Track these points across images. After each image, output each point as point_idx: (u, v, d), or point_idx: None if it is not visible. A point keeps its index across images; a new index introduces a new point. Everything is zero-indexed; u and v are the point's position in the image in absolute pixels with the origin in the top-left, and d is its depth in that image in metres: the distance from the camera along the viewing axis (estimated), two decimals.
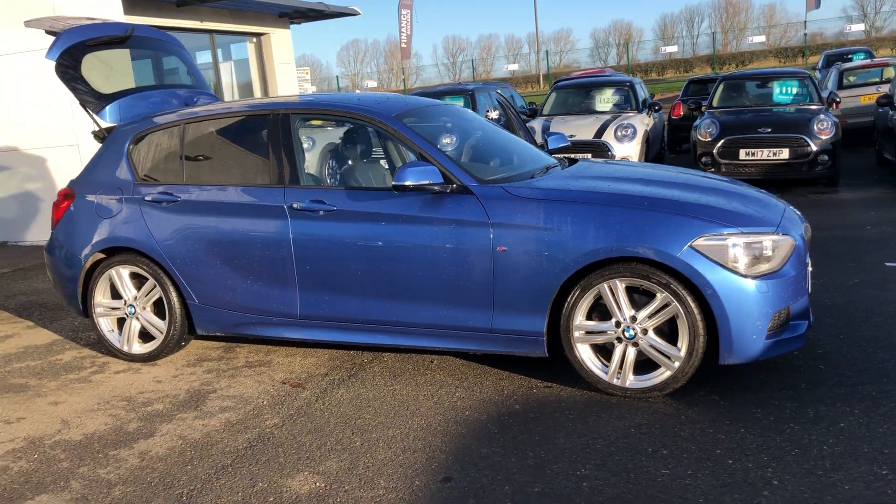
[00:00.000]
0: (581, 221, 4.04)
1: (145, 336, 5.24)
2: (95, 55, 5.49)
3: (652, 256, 3.88)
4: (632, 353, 4.07)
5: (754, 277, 3.85)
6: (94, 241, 5.16)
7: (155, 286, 5.08)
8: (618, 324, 4.05)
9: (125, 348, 5.29)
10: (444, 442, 3.78)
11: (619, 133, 10.65)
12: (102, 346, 5.49)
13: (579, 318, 4.11)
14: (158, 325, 5.16)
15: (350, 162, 5.09)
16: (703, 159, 10.41)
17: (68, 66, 5.29)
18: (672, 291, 3.89)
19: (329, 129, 6.79)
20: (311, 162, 5.37)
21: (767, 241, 3.93)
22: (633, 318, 4.01)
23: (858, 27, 47.06)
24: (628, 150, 10.52)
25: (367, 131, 5.12)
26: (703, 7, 66.93)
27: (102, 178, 5.29)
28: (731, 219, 3.97)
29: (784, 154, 9.91)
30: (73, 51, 5.32)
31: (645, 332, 4.02)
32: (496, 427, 3.89)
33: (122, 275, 5.17)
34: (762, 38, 50.00)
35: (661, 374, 4.04)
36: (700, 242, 3.86)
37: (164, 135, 5.20)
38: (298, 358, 5.10)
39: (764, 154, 10.00)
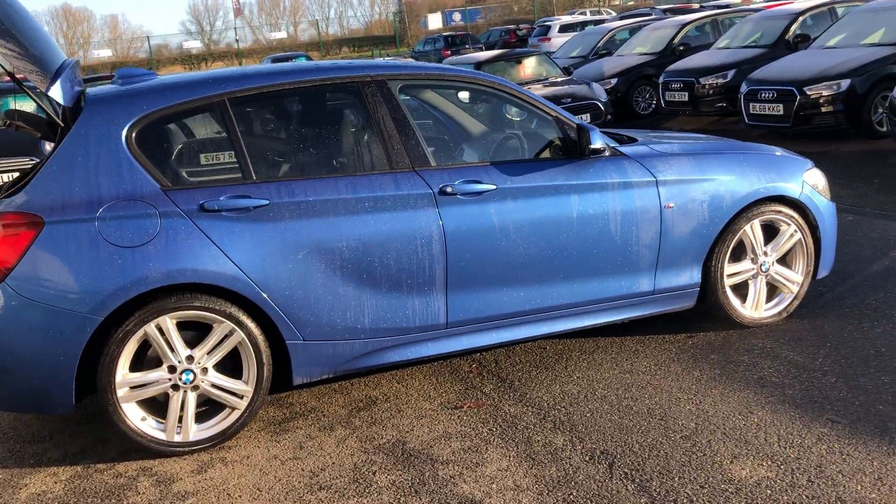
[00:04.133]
0: (731, 169, 4.33)
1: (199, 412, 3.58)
2: None
3: (792, 193, 4.40)
4: (763, 284, 4.52)
5: (829, 200, 4.68)
6: (119, 283, 3.31)
7: (232, 332, 3.52)
8: (753, 261, 4.45)
9: (177, 437, 3.54)
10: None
11: None
12: (126, 444, 3.68)
13: (726, 264, 4.39)
14: (236, 389, 3.59)
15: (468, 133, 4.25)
16: None
17: None
18: (796, 222, 4.47)
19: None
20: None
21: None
22: (765, 253, 4.47)
23: (196, 43, 51.13)
24: None
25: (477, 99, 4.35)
26: (40, 15, 63.25)
27: (94, 190, 3.41)
28: (798, 156, 4.72)
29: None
30: None
31: (770, 266, 4.50)
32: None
33: (167, 328, 3.44)
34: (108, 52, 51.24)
35: (785, 300, 4.57)
36: (807, 175, 4.53)
37: (191, 117, 3.64)
38: (390, 384, 4.12)
39: None
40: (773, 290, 4.57)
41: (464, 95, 4.68)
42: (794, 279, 4.55)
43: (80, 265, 3.32)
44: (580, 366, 4.18)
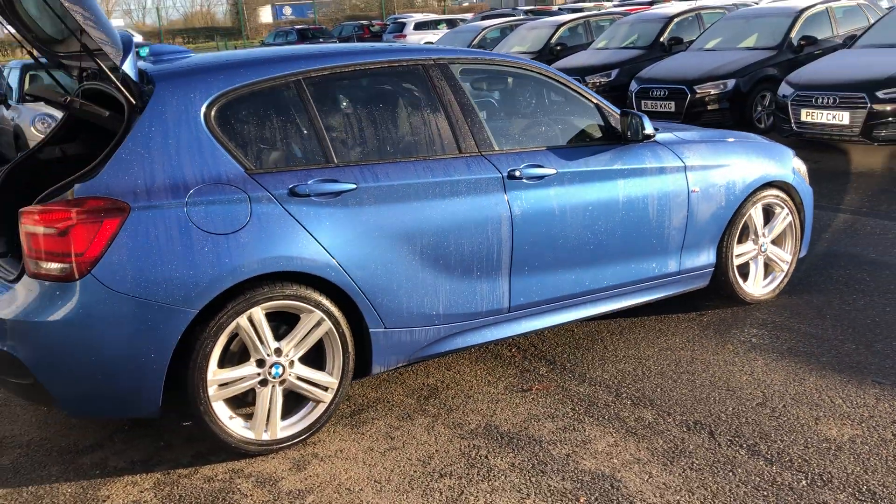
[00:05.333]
0: (741, 155, 4.63)
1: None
2: None
3: (788, 179, 4.77)
4: (762, 264, 4.86)
5: (809, 184, 5.10)
6: (214, 273, 3.08)
7: (320, 322, 3.36)
8: (755, 241, 4.78)
9: (265, 435, 3.33)
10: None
11: None
12: (212, 444, 3.45)
13: (734, 245, 4.68)
14: (322, 381, 3.43)
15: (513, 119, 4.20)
16: None
17: None
18: (788, 206, 4.84)
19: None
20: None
21: None
22: (764, 235, 4.80)
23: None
24: None
25: (519, 86, 4.29)
26: None
27: (178, 173, 3.15)
28: (783, 145, 5.11)
29: None
30: None
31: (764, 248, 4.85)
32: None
33: (258, 319, 3.23)
34: None
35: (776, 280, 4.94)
36: (794, 161, 4.92)
37: (270, 96, 3.42)
38: (456, 371, 4.08)
39: None
40: (765, 269, 4.91)
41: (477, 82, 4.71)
42: (785, 258, 4.92)
43: (172, 254, 3.06)
44: (619, 346, 4.32)
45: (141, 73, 3.38)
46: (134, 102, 3.21)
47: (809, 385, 3.75)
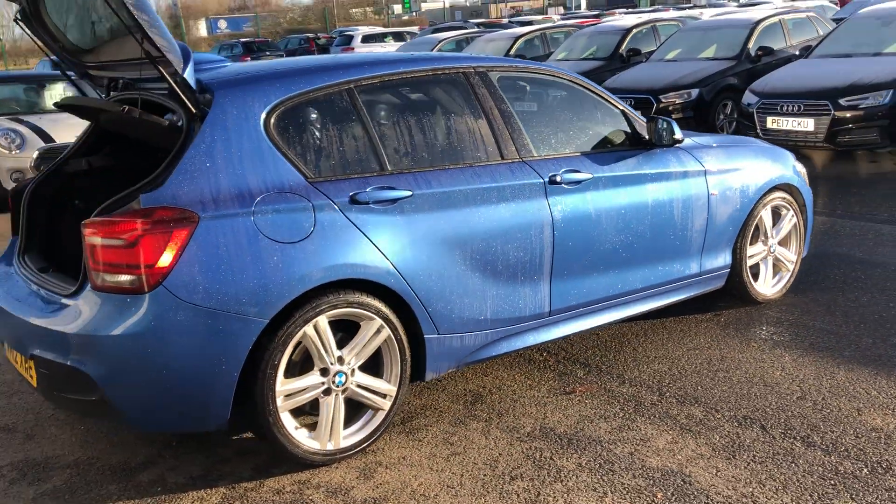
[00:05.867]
0: (752, 159, 4.78)
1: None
2: None
3: (792, 181, 4.94)
4: (771, 265, 5.02)
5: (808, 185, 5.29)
6: (283, 282, 3.05)
7: (379, 329, 3.36)
8: (764, 243, 4.93)
9: (329, 445, 3.30)
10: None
11: None
12: (269, 456, 3.42)
13: (747, 247, 4.82)
14: (382, 389, 3.42)
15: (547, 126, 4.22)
16: None
17: None
18: (793, 207, 5.01)
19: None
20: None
21: None
22: (772, 236, 4.96)
23: None
24: None
25: (549, 93, 4.32)
26: None
27: (242, 182, 3.11)
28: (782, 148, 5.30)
29: None
30: None
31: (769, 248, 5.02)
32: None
33: (322, 328, 3.21)
34: None
35: (782, 280, 5.11)
36: (795, 164, 5.11)
37: (325, 104, 3.41)
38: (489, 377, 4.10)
39: None
40: (773, 269, 5.07)
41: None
42: (791, 258, 5.09)
43: (242, 263, 3.03)
44: (647, 347, 4.41)
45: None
46: (194, 111, 3.16)
47: (841, 378, 3.89)
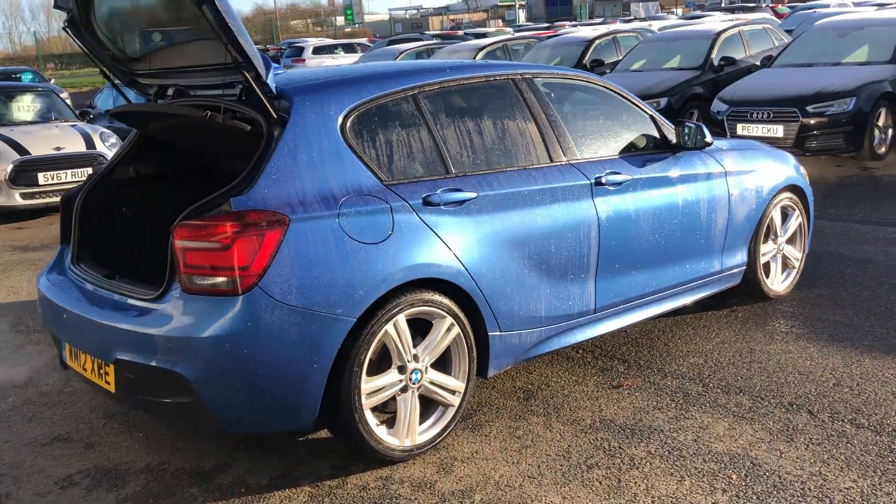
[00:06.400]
0: (764, 161, 5.02)
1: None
2: None
3: (798, 182, 5.20)
4: (780, 262, 5.27)
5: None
6: (368, 281, 3.13)
7: (450, 327, 3.45)
8: (774, 241, 5.18)
9: (408, 441, 3.37)
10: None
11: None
12: (344, 454, 3.48)
13: (761, 244, 5.05)
14: (452, 386, 3.51)
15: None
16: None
17: None
18: (798, 207, 5.27)
19: None
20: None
21: None
22: (781, 235, 5.21)
23: None
24: None
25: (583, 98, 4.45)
26: None
27: (324, 184, 3.19)
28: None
29: None
30: None
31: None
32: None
33: (401, 326, 3.30)
34: None
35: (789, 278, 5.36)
36: (798, 166, 5.38)
37: (393, 109, 3.50)
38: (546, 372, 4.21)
39: None
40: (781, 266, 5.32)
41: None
42: (797, 256, 5.35)
43: (331, 264, 3.10)
44: (677, 342, 4.59)
45: None
46: (276, 116, 3.22)
47: (868, 366, 4.12)
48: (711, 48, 11.63)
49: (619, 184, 4.12)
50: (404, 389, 3.37)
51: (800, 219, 5.28)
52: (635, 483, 3.17)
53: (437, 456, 3.47)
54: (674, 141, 4.53)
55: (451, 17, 59.87)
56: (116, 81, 4.03)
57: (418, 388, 3.41)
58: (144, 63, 3.87)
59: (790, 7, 29.73)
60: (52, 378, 4.51)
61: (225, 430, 3.14)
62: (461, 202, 3.50)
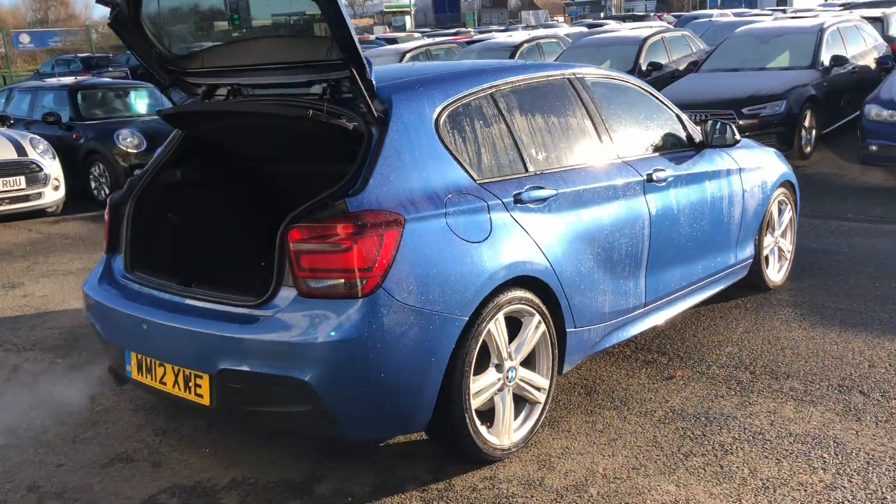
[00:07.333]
0: (764, 159, 5.27)
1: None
2: None
3: (790, 178, 5.48)
4: (777, 254, 5.53)
5: None
6: (478, 280, 3.10)
7: (538, 325, 3.45)
8: (772, 234, 5.44)
9: (504, 441, 3.35)
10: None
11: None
12: (436, 456, 3.42)
13: (764, 238, 5.30)
14: (538, 383, 3.51)
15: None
16: (137, 172, 9.71)
17: None
18: (790, 202, 5.56)
19: None
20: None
21: None
22: (775, 230, 5.47)
23: None
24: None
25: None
26: None
27: (428, 184, 3.13)
28: None
29: None
30: None
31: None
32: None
33: (501, 325, 3.28)
34: None
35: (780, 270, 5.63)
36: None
37: (476, 108, 3.47)
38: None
39: None
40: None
41: None
42: (789, 248, 5.64)
43: (443, 263, 3.06)
44: (705, 334, 4.74)
45: None
46: (377, 115, 3.15)
47: (892, 348, 4.38)
48: (639, 54, 12.05)
49: (665, 180, 4.23)
50: (501, 388, 3.35)
51: (791, 213, 5.57)
52: (737, 468, 3.27)
53: (531, 454, 3.46)
54: (697, 139, 4.69)
55: None
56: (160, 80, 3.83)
57: (513, 387, 3.40)
58: (195, 61, 3.70)
59: (675, 16, 31.08)
60: (77, 396, 4.24)
61: (342, 437, 3.05)
62: (544, 200, 3.52)
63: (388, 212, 2.97)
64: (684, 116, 4.72)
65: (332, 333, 2.86)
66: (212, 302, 3.19)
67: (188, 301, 3.27)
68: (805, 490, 3.09)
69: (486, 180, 3.37)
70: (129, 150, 9.92)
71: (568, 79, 4.03)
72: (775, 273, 5.49)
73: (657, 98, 4.64)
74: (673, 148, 4.57)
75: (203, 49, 3.71)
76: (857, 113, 10.57)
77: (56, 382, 4.42)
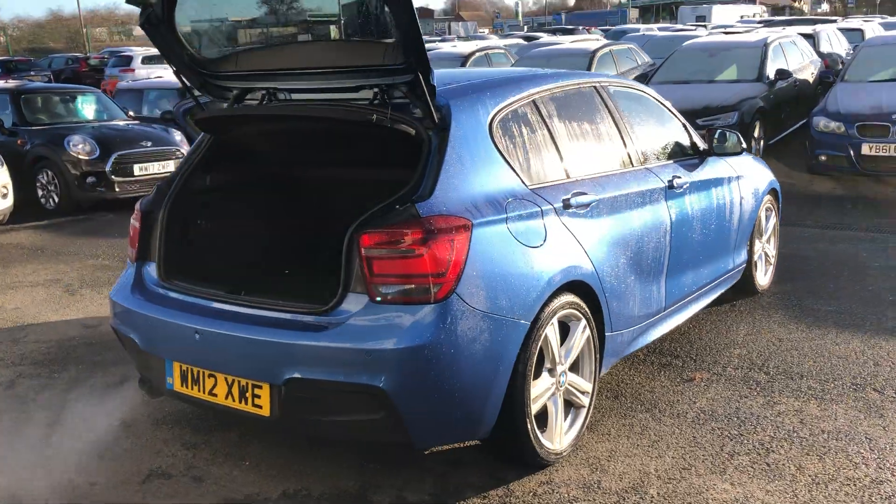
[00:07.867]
0: (755, 167, 5.46)
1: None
2: None
3: (776, 186, 5.68)
4: (765, 258, 5.72)
5: None
6: (538, 285, 3.11)
7: (584, 329, 3.48)
8: (760, 240, 5.61)
9: (557, 445, 3.36)
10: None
11: None
12: (486, 462, 3.39)
13: (755, 242, 5.47)
14: (583, 388, 3.54)
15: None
16: (90, 180, 9.58)
17: None
18: (775, 208, 5.76)
19: None
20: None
21: None
22: (762, 235, 5.66)
23: None
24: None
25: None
26: None
27: (488, 189, 3.13)
28: None
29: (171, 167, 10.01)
30: None
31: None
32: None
33: (556, 329, 3.29)
34: None
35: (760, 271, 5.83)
36: None
37: (522, 114, 3.50)
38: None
39: (155, 168, 9.98)
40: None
41: None
42: (773, 253, 5.84)
43: (508, 268, 3.06)
44: (710, 337, 4.86)
45: None
46: (437, 120, 3.13)
47: (888, 346, 4.58)
48: (589, 65, 12.26)
49: (682, 186, 4.33)
50: (553, 393, 3.37)
51: (775, 218, 5.77)
52: (783, 465, 3.36)
53: (579, 457, 3.49)
54: (702, 146, 4.82)
55: None
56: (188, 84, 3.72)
57: (563, 392, 3.42)
58: (228, 64, 3.61)
59: (602, 31, 31.75)
60: (90, 411, 4.06)
61: (413, 445, 3.01)
62: (587, 205, 3.56)
63: (457, 217, 2.96)
64: (689, 126, 4.85)
65: (407, 340, 2.83)
66: (270, 310, 3.11)
67: (243, 309, 3.18)
68: (854, 485, 3.20)
69: (536, 186, 3.40)
70: (81, 157, 9.57)
71: (594, 87, 4.09)
72: (763, 277, 5.68)
73: (666, 106, 4.75)
74: (683, 155, 4.68)
75: (237, 51, 3.62)
76: (801, 123, 11.07)
77: (63, 398, 4.23)
